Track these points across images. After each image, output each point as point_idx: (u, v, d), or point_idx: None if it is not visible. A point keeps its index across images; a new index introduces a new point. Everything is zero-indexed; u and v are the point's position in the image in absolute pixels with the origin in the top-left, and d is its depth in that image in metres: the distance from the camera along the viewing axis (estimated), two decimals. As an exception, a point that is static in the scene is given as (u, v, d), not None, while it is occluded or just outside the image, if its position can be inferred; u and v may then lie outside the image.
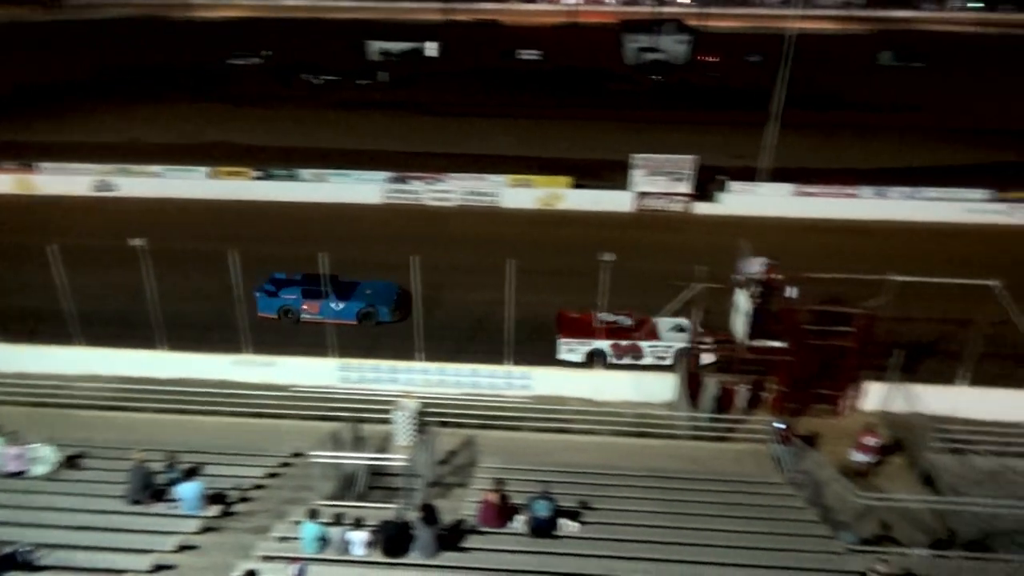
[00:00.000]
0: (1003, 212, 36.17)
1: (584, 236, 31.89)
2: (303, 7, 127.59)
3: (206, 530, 13.82)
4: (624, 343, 22.90)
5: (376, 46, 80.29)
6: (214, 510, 14.30)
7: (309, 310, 25.17)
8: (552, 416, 20.35)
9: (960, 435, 18.41)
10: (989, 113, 57.93)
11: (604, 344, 22.77)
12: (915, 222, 35.65)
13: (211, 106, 57.86)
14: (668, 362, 22.55)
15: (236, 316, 21.62)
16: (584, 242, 29.08)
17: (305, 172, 38.73)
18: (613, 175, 38.88)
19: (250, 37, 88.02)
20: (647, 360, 22.86)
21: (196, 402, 20.28)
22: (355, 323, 25.26)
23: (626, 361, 22.83)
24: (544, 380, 21.68)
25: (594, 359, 22.91)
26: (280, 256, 27.88)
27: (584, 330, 23.14)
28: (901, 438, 19.46)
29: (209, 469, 15.60)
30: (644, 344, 22.90)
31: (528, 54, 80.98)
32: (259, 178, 38.65)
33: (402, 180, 38.25)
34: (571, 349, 23.02)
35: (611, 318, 23.14)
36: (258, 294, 25.36)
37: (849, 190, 37.10)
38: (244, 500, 15.16)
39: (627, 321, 23.54)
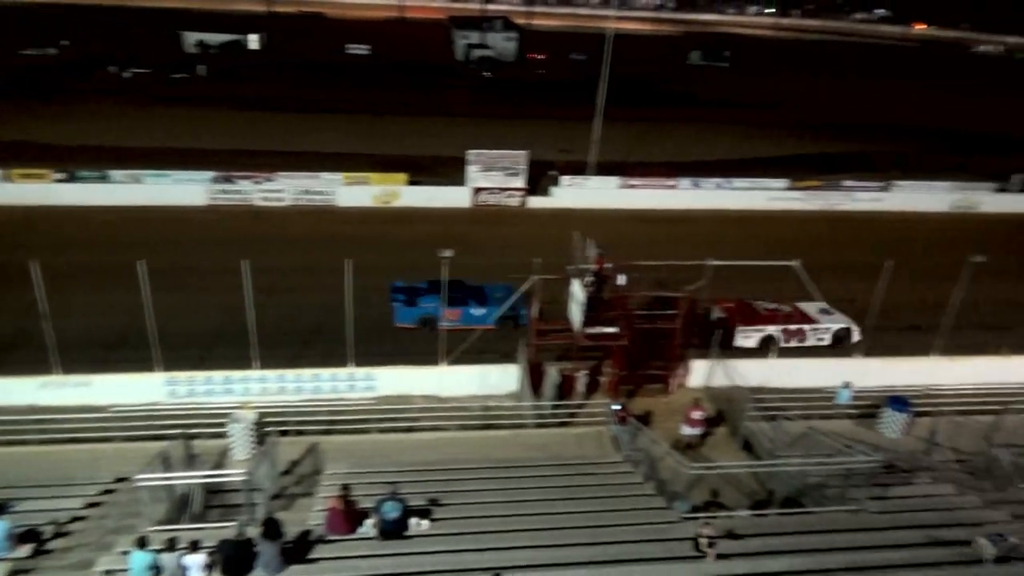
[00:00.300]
0: (799, 199, 40.17)
1: (422, 233, 31.80)
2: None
3: (15, 573, 12.44)
4: (793, 327, 24.23)
5: (192, 37, 75.33)
6: (25, 550, 12.89)
7: (449, 317, 23.23)
8: (398, 416, 20.15)
9: (773, 403, 20.25)
10: (787, 108, 64.06)
11: (776, 329, 23.88)
12: (727, 210, 38.78)
13: (1, 103, 51.68)
14: (826, 342, 24.52)
15: (43, 332, 19.48)
16: (422, 239, 28.95)
17: (117, 173, 35.59)
18: (448, 171, 39.11)
19: (46, 26, 79.55)
20: (810, 342, 24.55)
21: (-1, 432, 18.15)
22: (494, 328, 23.72)
23: (793, 344, 24.21)
24: (388, 380, 21.43)
25: (768, 344, 23.85)
26: (92, 265, 25.55)
27: (755, 318, 24.48)
28: (723, 410, 21.14)
29: (18, 505, 14.00)
30: (807, 327, 24.41)
31: (356, 48, 79.39)
32: (62, 180, 34.98)
33: (228, 180, 36.19)
34: (746, 336, 24.19)
35: (772, 306, 24.91)
36: (394, 304, 24.48)
37: (669, 181, 39.63)
38: (61, 535, 13.77)
39: (785, 308, 24.88)
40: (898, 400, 20.23)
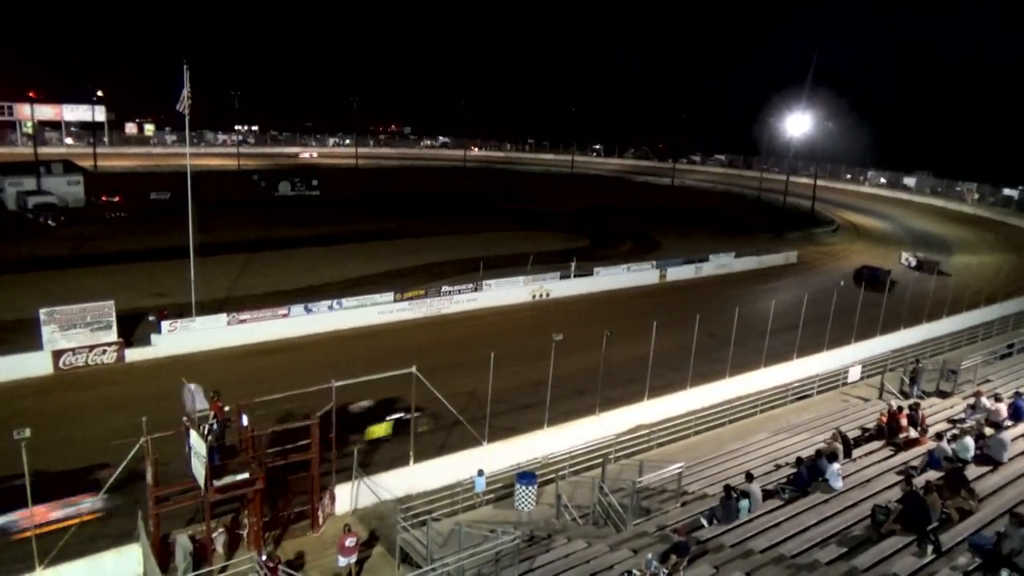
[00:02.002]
0: (407, 309, 42.82)
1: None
2: None
3: None
4: None
5: None
6: None
7: None
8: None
9: (421, 508, 20.69)
10: (386, 230, 68.45)
11: None
12: (342, 329, 39.52)
13: None
14: None
15: None
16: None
17: None
18: (16, 336, 33.27)
19: None
20: None
21: None
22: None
23: None
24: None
25: None
26: None
27: None
28: (375, 528, 20.93)
29: None
30: None
31: None
32: None
33: None
34: None
35: None
36: None
37: (281, 310, 39.08)
38: None
39: None
40: (525, 475, 22.30)
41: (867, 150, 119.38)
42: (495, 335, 37.61)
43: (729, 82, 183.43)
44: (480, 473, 22.66)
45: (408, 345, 36.29)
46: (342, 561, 18.68)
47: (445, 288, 45.17)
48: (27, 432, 16.54)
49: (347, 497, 22.03)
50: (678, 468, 21.03)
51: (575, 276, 51.08)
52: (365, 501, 22.17)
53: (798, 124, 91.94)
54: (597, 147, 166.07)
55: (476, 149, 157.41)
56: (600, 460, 23.67)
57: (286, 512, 21.10)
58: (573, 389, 29.04)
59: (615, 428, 27.37)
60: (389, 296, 42.81)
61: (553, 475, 22.95)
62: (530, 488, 21.92)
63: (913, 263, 62.29)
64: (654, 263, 56.27)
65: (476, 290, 46.01)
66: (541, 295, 48.64)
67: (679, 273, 56.29)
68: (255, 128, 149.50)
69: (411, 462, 23.20)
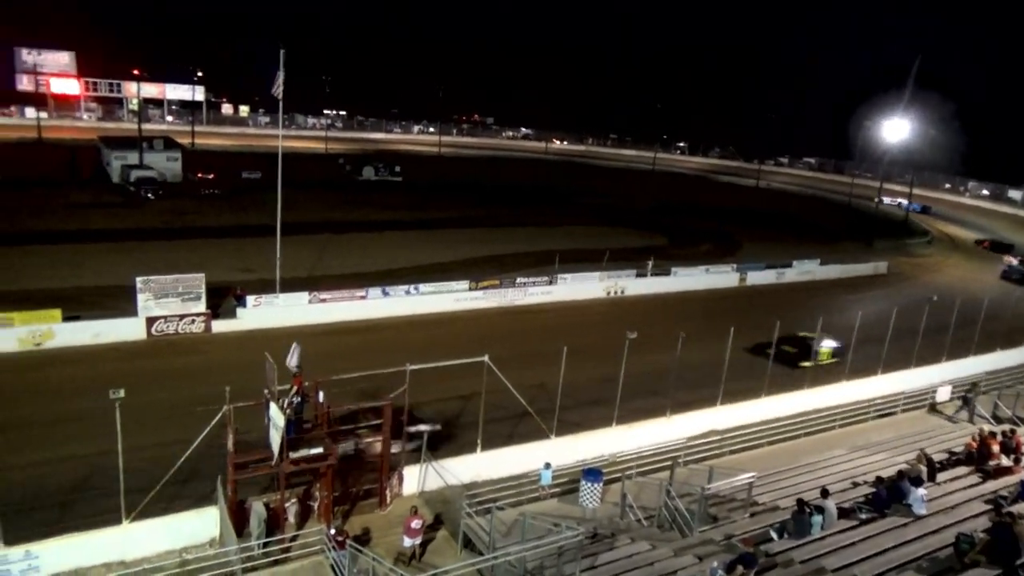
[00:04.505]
0: (481, 298, 43.17)
1: (87, 374, 28.00)
2: None
3: None
4: None
5: None
6: None
7: None
8: (70, 596, 16.93)
9: (486, 495, 20.89)
10: (465, 218, 69.13)
11: None
12: (417, 314, 40.16)
13: None
14: None
15: None
16: (88, 382, 25.56)
17: None
18: (114, 302, 35.14)
19: None
20: None
21: None
22: None
23: None
24: (55, 555, 17.89)
25: None
26: None
27: None
28: (441, 513, 21.25)
29: None
30: None
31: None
32: None
33: None
34: None
35: None
36: None
37: (359, 292, 40.02)
38: None
39: None
40: (591, 471, 22.19)
41: (967, 159, 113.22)
42: (567, 329, 37.46)
43: (822, 83, 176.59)
44: (547, 466, 22.68)
45: (481, 333, 36.58)
46: (407, 542, 19.05)
47: (520, 279, 45.29)
48: (121, 392, 17.52)
49: (415, 479, 22.43)
50: (750, 478, 20.53)
51: (651, 274, 50.38)
52: (432, 484, 22.52)
53: (896, 129, 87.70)
54: (681, 145, 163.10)
55: (558, 142, 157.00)
56: (668, 463, 23.36)
57: (355, 488, 21.63)
58: (644, 389, 28.64)
59: (685, 431, 26.97)
60: (464, 284, 43.24)
61: (619, 474, 22.74)
62: (596, 485, 21.81)
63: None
64: (734, 266, 54.96)
65: (551, 283, 45.95)
66: (616, 292, 48.20)
67: (760, 278, 54.80)
68: (343, 113, 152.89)
69: (478, 449, 23.41)
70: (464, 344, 30.12)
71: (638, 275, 49.87)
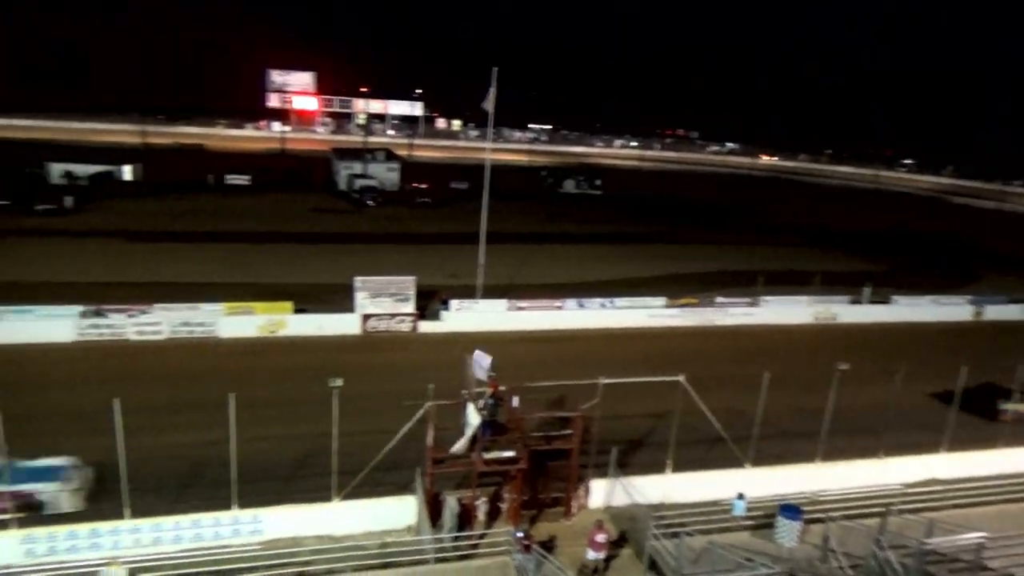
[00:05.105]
0: (677, 316, 42.19)
1: (311, 362, 30.89)
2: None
3: None
4: None
5: (58, 168, 72.58)
6: None
7: None
8: (287, 561, 18.70)
9: (674, 519, 20.30)
10: (663, 233, 68.22)
11: None
12: (611, 328, 40.09)
13: None
14: None
15: None
16: (311, 368, 28.20)
17: (-29, 310, 32.80)
18: (335, 298, 38.60)
19: None
20: None
21: None
22: None
23: None
24: (276, 522, 19.92)
25: None
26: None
27: None
28: (626, 530, 20.95)
29: None
30: None
31: (236, 179, 79.12)
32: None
33: (99, 314, 34.01)
34: None
35: None
36: None
37: (556, 303, 40.74)
38: None
39: None
40: (789, 508, 20.78)
41: None
42: (769, 354, 35.49)
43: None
44: (740, 496, 21.61)
45: (675, 352, 35.73)
46: (591, 555, 18.97)
47: (720, 299, 43.70)
48: (339, 381, 19.17)
49: (601, 492, 22.31)
50: (979, 537, 18.20)
51: (868, 301, 46.44)
52: (618, 500, 22.27)
53: None
54: (907, 161, 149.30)
55: (765, 157, 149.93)
56: (879, 509, 21.32)
57: (543, 495, 21.92)
58: (852, 425, 26.36)
59: (901, 477, 24.49)
60: (661, 300, 42.51)
61: (821, 514, 21.09)
62: (794, 523, 20.39)
63: None
64: (969, 298, 49.19)
65: (753, 304, 43.88)
66: (826, 318, 44.97)
67: (1001, 312, 48.52)
68: (548, 127, 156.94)
69: (668, 470, 22.82)
70: (657, 362, 29.54)
71: (852, 302, 46.22)
